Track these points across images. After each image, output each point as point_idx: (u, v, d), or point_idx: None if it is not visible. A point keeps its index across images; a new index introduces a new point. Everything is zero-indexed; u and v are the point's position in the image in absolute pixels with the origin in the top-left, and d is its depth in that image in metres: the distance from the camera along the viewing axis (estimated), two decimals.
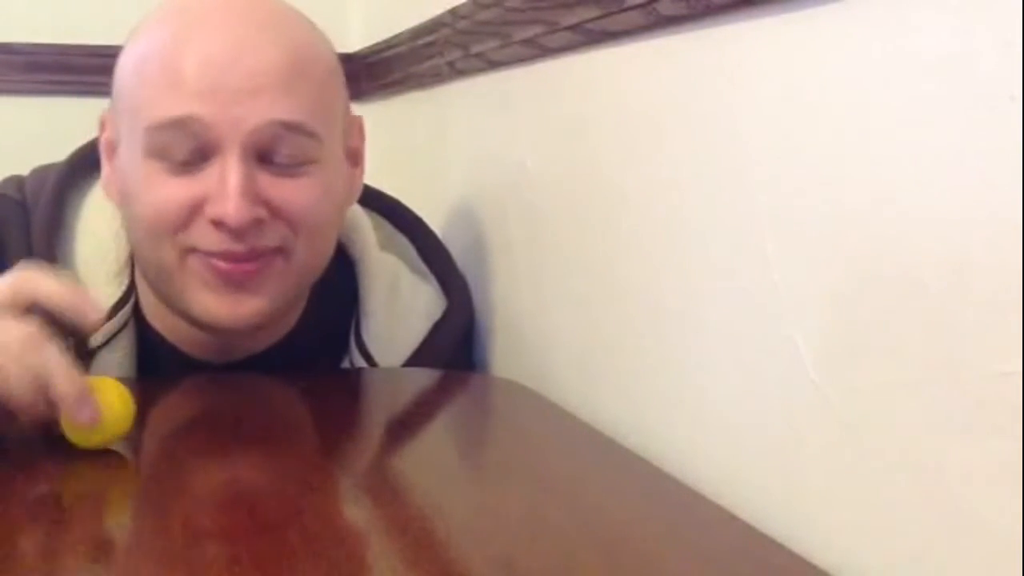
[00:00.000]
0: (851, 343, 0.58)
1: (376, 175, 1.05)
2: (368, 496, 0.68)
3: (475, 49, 1.08)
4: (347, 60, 1.54)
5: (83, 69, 1.56)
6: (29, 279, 0.74)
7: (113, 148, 0.92)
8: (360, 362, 0.98)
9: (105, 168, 0.94)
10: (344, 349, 1.00)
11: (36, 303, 0.73)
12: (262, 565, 0.55)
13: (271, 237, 0.87)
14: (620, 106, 0.83)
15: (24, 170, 1.03)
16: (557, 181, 0.94)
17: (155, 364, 0.96)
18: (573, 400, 0.90)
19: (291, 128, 0.86)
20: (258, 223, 0.86)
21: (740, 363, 0.68)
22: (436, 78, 1.24)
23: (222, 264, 0.87)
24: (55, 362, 0.70)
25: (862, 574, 0.57)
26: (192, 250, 0.87)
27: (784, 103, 0.63)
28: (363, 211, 1.03)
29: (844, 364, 0.59)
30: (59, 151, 0.99)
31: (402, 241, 1.05)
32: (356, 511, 0.66)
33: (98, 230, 0.96)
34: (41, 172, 1.00)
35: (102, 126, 0.94)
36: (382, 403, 0.97)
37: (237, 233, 0.85)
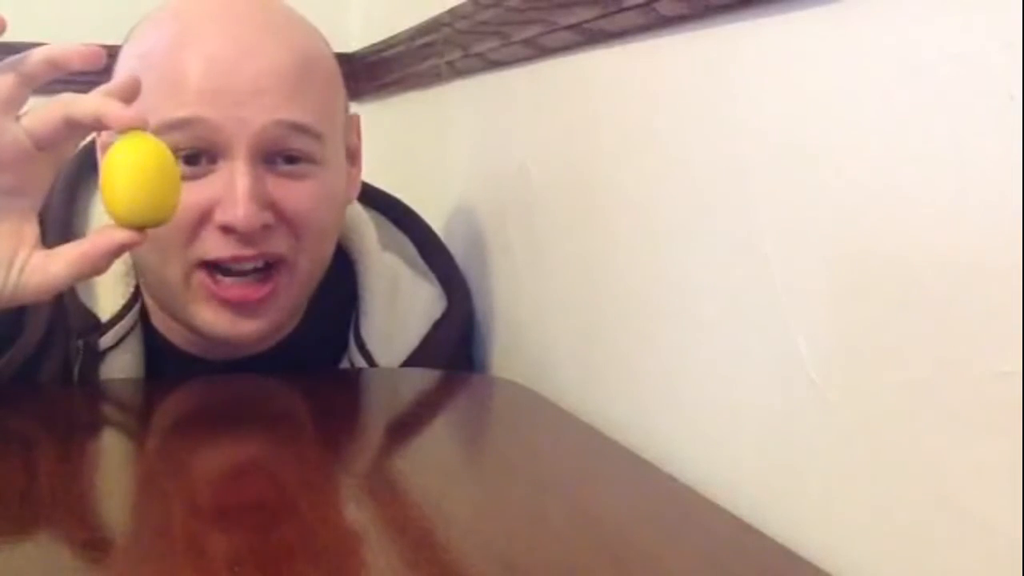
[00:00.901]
0: (851, 343, 0.58)
1: (376, 175, 1.05)
2: (368, 496, 0.68)
3: (475, 49, 1.08)
4: (346, 60, 1.54)
5: (75, 72, 1.55)
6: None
7: None
8: (360, 361, 0.98)
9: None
10: (344, 348, 1.00)
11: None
12: (262, 565, 0.55)
13: (277, 244, 0.88)
14: (620, 106, 0.83)
15: None
16: (557, 181, 0.94)
17: (161, 363, 0.96)
18: (573, 400, 0.90)
19: (297, 129, 0.87)
20: (265, 228, 0.86)
21: (740, 363, 0.68)
22: (435, 78, 1.24)
23: (229, 291, 0.87)
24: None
25: (862, 574, 0.57)
26: (198, 265, 0.87)
27: (784, 103, 0.63)
28: (364, 210, 1.03)
29: (844, 364, 0.59)
30: None
31: (402, 240, 1.05)
32: (356, 511, 0.66)
33: None
34: None
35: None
36: (382, 403, 0.97)
37: (246, 238, 0.85)
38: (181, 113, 0.84)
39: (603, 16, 0.80)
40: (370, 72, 1.51)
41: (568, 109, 0.92)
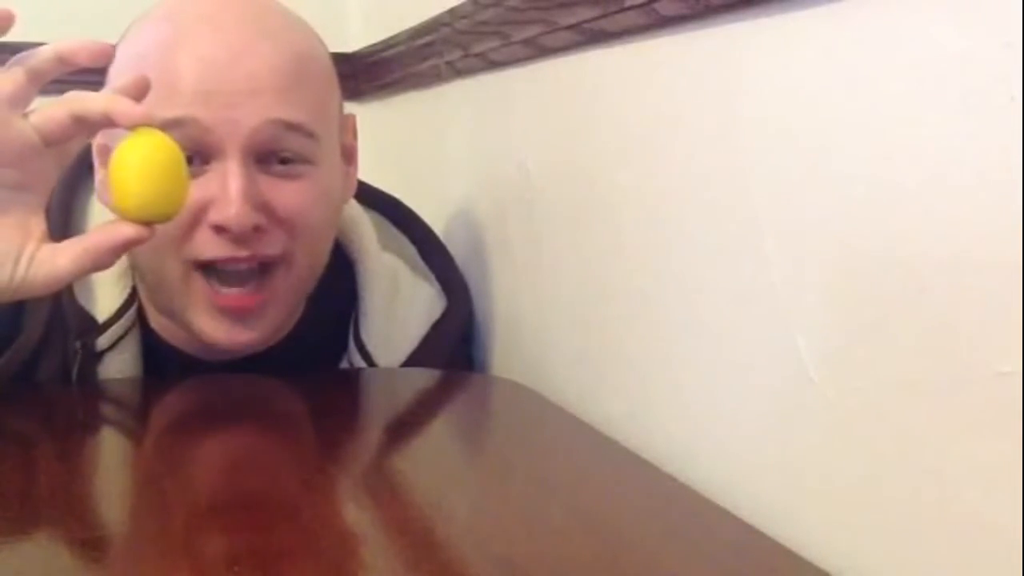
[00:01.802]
0: (851, 343, 0.58)
1: (375, 175, 1.05)
2: (368, 496, 0.68)
3: (475, 49, 1.08)
4: (346, 60, 1.54)
5: (85, 69, 1.55)
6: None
7: (107, 152, 0.92)
8: (359, 361, 0.98)
9: (99, 173, 0.93)
10: (343, 348, 1.00)
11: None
12: (262, 565, 0.55)
13: (272, 245, 0.87)
14: (620, 106, 0.83)
15: None
16: (557, 181, 0.94)
17: (159, 363, 0.96)
18: (573, 400, 0.90)
19: (290, 128, 0.87)
20: (258, 229, 0.86)
21: (740, 363, 0.68)
22: (435, 78, 1.24)
23: (224, 299, 0.87)
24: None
25: (862, 574, 0.57)
26: (195, 266, 0.87)
27: (784, 103, 0.63)
28: (363, 210, 1.03)
29: (844, 364, 0.59)
30: None
31: (402, 240, 1.05)
32: (356, 511, 0.66)
33: None
34: None
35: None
36: (382, 403, 0.97)
37: (239, 238, 0.85)
38: (174, 113, 0.84)
39: (603, 16, 0.80)
40: (370, 72, 1.51)
41: (568, 109, 0.92)
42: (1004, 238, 0.48)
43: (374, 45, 1.49)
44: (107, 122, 0.73)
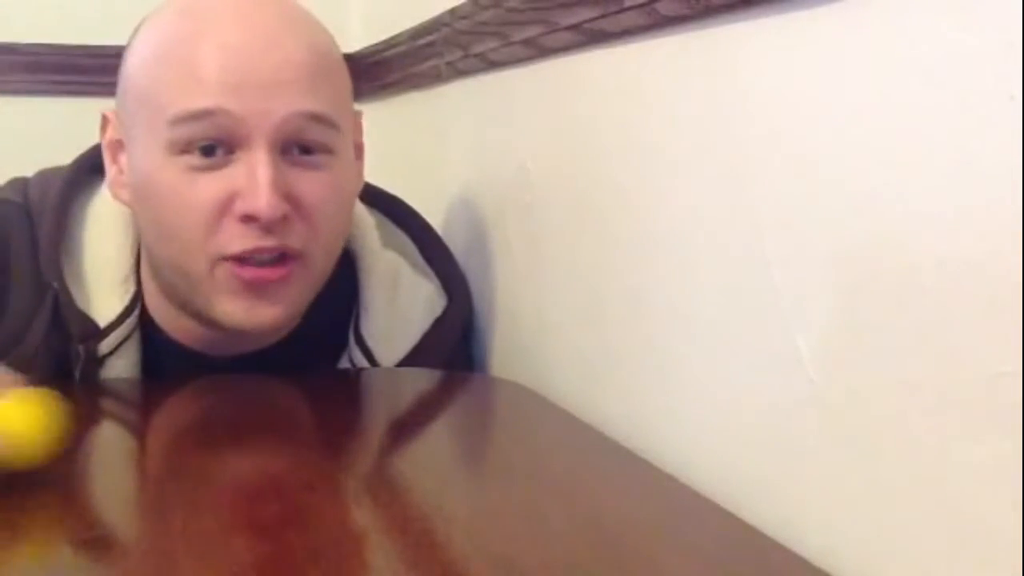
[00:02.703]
0: (851, 343, 0.58)
1: (376, 175, 1.05)
2: (368, 496, 0.68)
3: (475, 49, 1.08)
4: (346, 60, 1.54)
5: (86, 69, 1.56)
6: None
7: (120, 147, 0.92)
8: (360, 358, 0.98)
9: (111, 169, 0.93)
10: (344, 346, 1.00)
11: None
12: (262, 565, 0.55)
13: (294, 237, 0.88)
14: (620, 106, 0.83)
15: (27, 170, 1.03)
16: (557, 181, 0.94)
17: (162, 363, 0.97)
18: (573, 400, 0.90)
19: (317, 119, 0.88)
20: (286, 219, 0.86)
21: (740, 363, 0.68)
22: (436, 78, 1.24)
23: (248, 272, 0.87)
24: None
25: (862, 574, 0.57)
26: (220, 259, 0.87)
27: (784, 103, 0.63)
28: (364, 208, 1.03)
29: (844, 364, 0.59)
30: (63, 151, 0.99)
31: (403, 238, 1.05)
32: (356, 511, 0.66)
33: (103, 239, 0.96)
34: (46, 175, 1.00)
35: (104, 126, 0.94)
36: (382, 403, 0.97)
37: (268, 228, 0.86)
38: (202, 104, 0.85)
39: (603, 16, 0.80)
40: (370, 72, 1.51)
41: (568, 109, 0.92)
42: (1004, 238, 0.48)
43: (374, 45, 1.49)
44: None
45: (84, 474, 0.71)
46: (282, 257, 0.88)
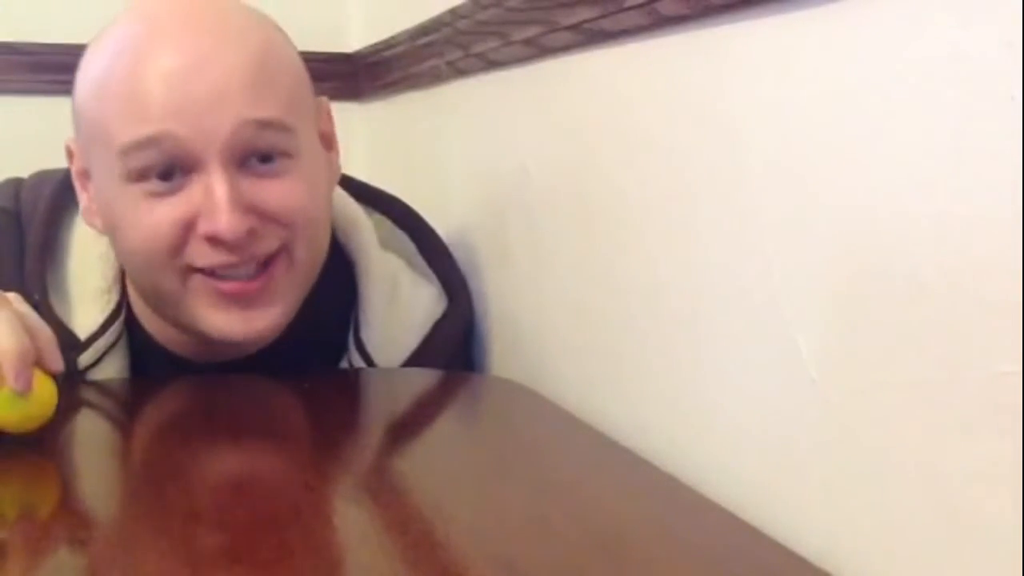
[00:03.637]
0: (851, 343, 0.58)
1: (376, 175, 1.05)
2: (368, 496, 0.68)
3: (475, 49, 1.08)
4: (346, 60, 1.54)
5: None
6: None
7: (87, 176, 0.92)
8: (359, 362, 0.98)
9: (83, 198, 0.93)
10: (343, 349, 1.00)
11: None
12: (262, 565, 0.55)
13: (268, 243, 0.87)
14: (620, 106, 0.83)
15: (28, 169, 1.03)
16: (557, 181, 0.94)
17: (152, 371, 0.96)
18: (572, 400, 0.90)
19: (265, 126, 0.86)
20: (251, 232, 0.86)
21: (740, 363, 0.68)
22: (436, 78, 1.24)
23: (227, 285, 0.87)
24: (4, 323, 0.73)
25: (862, 574, 0.57)
26: (192, 269, 0.87)
27: (784, 103, 0.63)
28: (363, 210, 1.03)
29: (844, 364, 0.59)
30: (62, 151, 0.99)
31: (403, 240, 1.05)
32: (356, 511, 0.66)
33: (87, 248, 0.95)
34: (39, 179, 1.00)
35: (69, 156, 0.93)
36: (382, 403, 0.97)
37: (233, 246, 0.85)
38: (146, 131, 0.83)
39: (603, 16, 0.80)
40: (370, 72, 1.51)
41: (568, 109, 0.92)
42: (1004, 238, 0.48)
43: (374, 45, 1.49)
44: None
45: (81, 474, 0.71)
46: (262, 264, 0.88)
